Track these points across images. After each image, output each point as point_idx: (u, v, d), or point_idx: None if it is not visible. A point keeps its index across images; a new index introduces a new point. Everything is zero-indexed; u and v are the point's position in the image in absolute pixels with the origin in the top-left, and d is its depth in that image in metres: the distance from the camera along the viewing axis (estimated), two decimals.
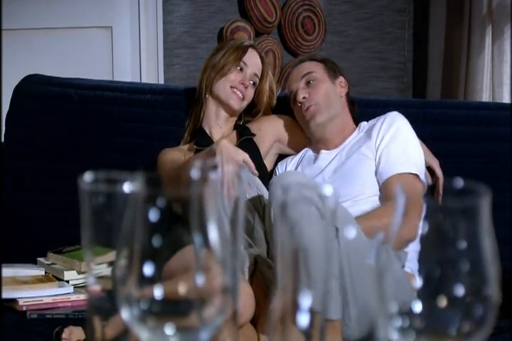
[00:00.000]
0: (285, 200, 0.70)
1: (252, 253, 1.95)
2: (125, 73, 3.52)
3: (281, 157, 2.56)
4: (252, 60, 2.50)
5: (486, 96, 3.53)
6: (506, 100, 3.46)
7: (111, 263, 0.77)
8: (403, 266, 2.02)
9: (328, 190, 0.70)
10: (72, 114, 2.68)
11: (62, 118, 2.69)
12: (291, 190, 0.72)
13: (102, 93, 2.70)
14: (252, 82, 2.49)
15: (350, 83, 2.54)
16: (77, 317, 2.06)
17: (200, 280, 0.69)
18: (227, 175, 0.83)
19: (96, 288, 0.78)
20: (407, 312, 0.66)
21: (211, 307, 0.69)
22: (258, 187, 2.14)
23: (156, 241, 0.69)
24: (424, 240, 0.66)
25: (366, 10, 3.92)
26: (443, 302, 0.65)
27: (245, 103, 2.50)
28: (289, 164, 2.47)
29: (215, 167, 0.77)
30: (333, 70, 2.48)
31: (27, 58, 3.38)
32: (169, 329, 0.69)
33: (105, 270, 0.78)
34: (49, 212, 2.60)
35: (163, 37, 3.59)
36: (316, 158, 2.41)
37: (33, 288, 2.14)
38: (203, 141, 2.44)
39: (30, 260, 2.38)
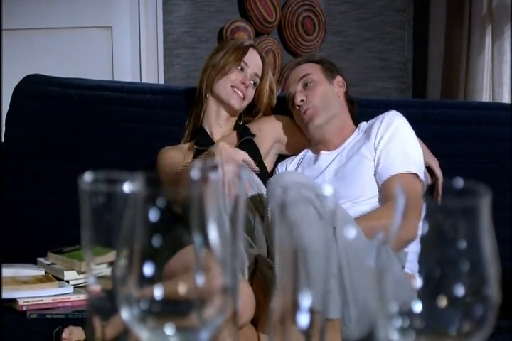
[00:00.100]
0: (284, 200, 0.70)
1: (252, 253, 1.95)
2: (125, 73, 3.52)
3: (281, 157, 2.56)
4: (253, 60, 2.50)
5: (486, 96, 3.53)
6: (506, 100, 3.46)
7: (111, 263, 0.77)
8: (403, 267, 2.02)
9: (328, 190, 0.70)
10: (72, 114, 2.68)
11: (62, 119, 2.69)
12: (290, 190, 0.72)
13: (102, 93, 2.70)
14: (252, 82, 2.49)
15: (350, 83, 2.54)
16: (77, 317, 2.06)
17: (200, 280, 0.69)
18: (227, 175, 0.83)
19: (96, 288, 0.78)
20: (407, 312, 0.66)
21: (211, 307, 0.69)
22: (258, 187, 2.14)
23: (156, 241, 0.69)
24: (424, 240, 0.66)
25: (366, 10, 3.92)
26: (443, 302, 0.65)
27: (246, 103, 2.50)
28: (289, 165, 2.47)
29: (215, 167, 0.77)
30: (331, 70, 2.48)
31: (27, 58, 3.38)
32: (169, 329, 0.69)
33: (105, 270, 0.78)
34: (49, 212, 2.60)
35: (163, 37, 3.59)
36: (316, 159, 2.41)
37: (33, 288, 2.14)
38: (203, 141, 2.44)
39: (30, 260, 2.38)
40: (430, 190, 2.20)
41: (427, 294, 0.65)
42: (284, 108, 2.52)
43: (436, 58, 3.83)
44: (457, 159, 2.45)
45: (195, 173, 0.74)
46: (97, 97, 2.69)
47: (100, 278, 0.78)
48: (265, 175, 2.34)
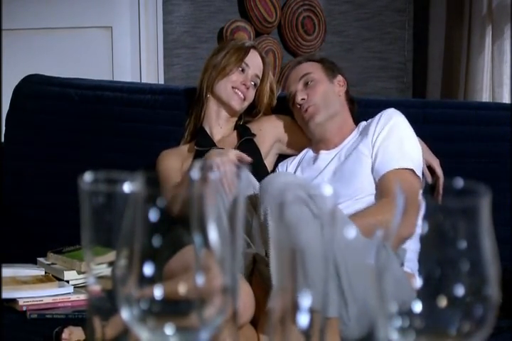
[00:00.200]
0: (282, 201, 0.70)
1: (250, 252, 1.95)
2: (125, 73, 3.52)
3: (282, 157, 2.56)
4: (254, 61, 2.50)
5: (486, 96, 3.53)
6: (506, 100, 3.46)
7: (111, 263, 0.77)
8: (402, 264, 2.02)
9: (327, 190, 0.70)
10: (72, 114, 2.68)
11: (62, 118, 2.69)
12: (284, 191, 0.72)
13: (102, 93, 2.70)
14: (253, 83, 2.49)
15: (350, 83, 2.54)
16: (77, 317, 2.06)
17: (200, 280, 0.69)
18: (227, 175, 0.83)
19: (96, 288, 0.78)
20: (407, 312, 0.66)
21: (211, 307, 0.69)
22: (255, 188, 2.14)
23: (156, 241, 0.69)
24: (424, 240, 0.66)
25: (366, 10, 3.92)
26: (443, 302, 0.65)
27: (246, 103, 2.51)
28: (290, 165, 2.47)
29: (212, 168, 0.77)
30: (331, 70, 2.48)
31: (27, 58, 3.38)
32: (169, 329, 0.69)
33: (105, 270, 0.78)
34: (49, 212, 2.60)
35: (163, 37, 3.59)
36: (315, 159, 2.41)
37: (33, 288, 2.14)
38: (203, 142, 2.45)
39: (30, 260, 2.38)
40: (431, 190, 2.20)
41: (427, 294, 0.65)
42: (284, 108, 2.52)
43: (436, 58, 3.83)
44: (457, 159, 2.44)
45: (195, 173, 0.74)
46: (97, 97, 2.69)
47: (100, 278, 0.78)
48: (265, 175, 2.33)
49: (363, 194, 2.20)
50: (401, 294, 0.67)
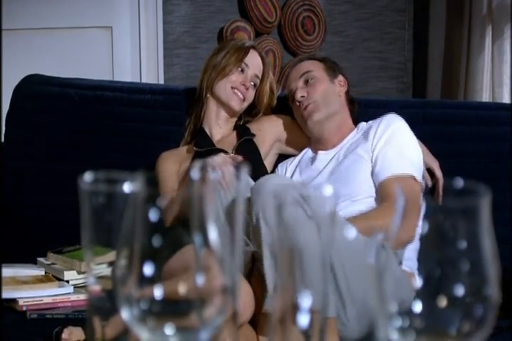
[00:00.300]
0: (280, 202, 0.70)
1: (249, 250, 1.94)
2: (125, 73, 3.52)
3: (282, 157, 2.55)
4: (254, 61, 2.50)
5: (486, 96, 3.53)
6: (506, 100, 3.46)
7: (111, 263, 0.77)
8: (400, 263, 2.02)
9: (327, 191, 0.70)
10: (72, 114, 2.68)
11: (62, 118, 2.69)
12: (279, 192, 0.72)
13: (102, 93, 2.70)
14: (252, 83, 2.49)
15: (350, 83, 2.53)
16: (77, 317, 2.06)
17: (200, 280, 0.69)
18: (226, 176, 0.83)
19: (96, 288, 0.78)
20: (407, 312, 0.66)
21: (211, 307, 0.69)
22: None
23: (156, 241, 0.69)
24: (424, 240, 0.66)
25: (366, 10, 3.92)
26: (443, 302, 0.65)
27: (246, 104, 2.50)
28: (289, 166, 2.46)
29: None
30: (333, 69, 2.47)
31: (27, 58, 3.38)
32: (169, 329, 0.69)
33: (105, 270, 0.78)
34: (49, 212, 2.60)
35: (163, 37, 3.59)
36: (314, 159, 2.41)
37: (33, 288, 2.14)
38: (202, 142, 2.44)
39: (30, 260, 2.38)
40: (431, 192, 2.19)
41: (426, 294, 0.65)
42: (284, 108, 2.52)
43: (436, 58, 3.83)
44: (457, 159, 2.44)
45: (195, 174, 0.74)
46: (97, 97, 2.69)
47: (100, 278, 0.78)
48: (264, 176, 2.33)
49: (361, 195, 2.19)
50: (400, 293, 0.67)
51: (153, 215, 0.69)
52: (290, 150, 2.54)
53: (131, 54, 3.55)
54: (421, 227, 0.66)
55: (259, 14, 3.67)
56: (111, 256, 0.76)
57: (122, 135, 2.64)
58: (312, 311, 0.70)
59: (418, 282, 0.65)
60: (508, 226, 2.26)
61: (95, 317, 0.79)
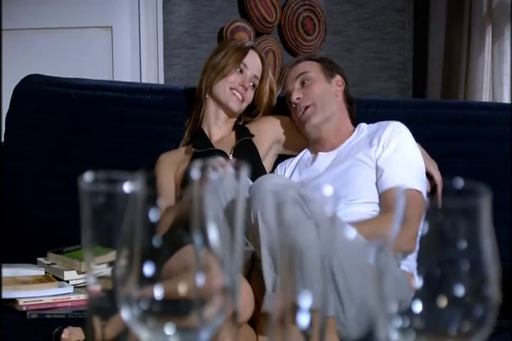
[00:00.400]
0: (280, 202, 0.70)
1: (249, 250, 1.94)
2: (125, 73, 3.52)
3: (281, 158, 2.55)
4: (253, 62, 2.49)
5: (486, 96, 3.53)
6: (506, 100, 3.45)
7: (111, 263, 0.77)
8: (399, 265, 2.02)
9: (328, 191, 0.70)
10: (72, 114, 2.68)
11: (62, 118, 2.69)
12: (278, 192, 0.72)
13: (102, 93, 2.70)
14: (251, 84, 2.48)
15: (350, 83, 2.53)
16: (77, 317, 2.06)
17: (200, 280, 0.69)
18: (224, 177, 0.83)
19: (96, 288, 0.78)
20: (407, 312, 0.66)
21: (211, 307, 0.69)
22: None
23: (156, 241, 0.69)
24: (424, 240, 0.66)
25: (366, 10, 3.92)
26: (443, 302, 0.65)
27: (245, 105, 2.50)
28: (288, 166, 2.46)
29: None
30: (330, 69, 2.46)
31: (27, 58, 3.38)
32: (169, 329, 0.69)
33: (105, 270, 0.78)
34: (49, 212, 2.60)
35: (163, 37, 3.59)
36: (313, 160, 2.40)
37: (33, 288, 2.14)
38: (201, 143, 2.44)
39: (30, 260, 2.38)
40: (430, 195, 2.19)
41: (427, 294, 0.65)
42: (284, 108, 2.52)
43: (436, 58, 3.83)
44: (457, 159, 2.44)
45: (195, 174, 0.74)
46: (97, 97, 2.69)
47: (100, 278, 0.78)
48: None
49: (358, 200, 2.17)
50: (399, 293, 0.67)
51: (153, 215, 0.69)
52: (289, 150, 2.53)
53: (131, 54, 3.55)
54: (421, 227, 0.66)
55: (259, 14, 3.67)
56: (111, 256, 0.76)
57: (122, 135, 2.64)
58: (312, 311, 0.70)
59: (418, 282, 0.65)
60: (508, 226, 2.26)
61: (95, 317, 0.79)
